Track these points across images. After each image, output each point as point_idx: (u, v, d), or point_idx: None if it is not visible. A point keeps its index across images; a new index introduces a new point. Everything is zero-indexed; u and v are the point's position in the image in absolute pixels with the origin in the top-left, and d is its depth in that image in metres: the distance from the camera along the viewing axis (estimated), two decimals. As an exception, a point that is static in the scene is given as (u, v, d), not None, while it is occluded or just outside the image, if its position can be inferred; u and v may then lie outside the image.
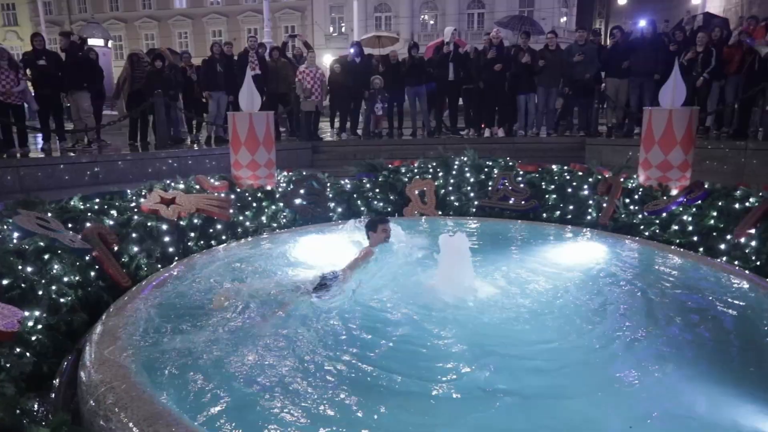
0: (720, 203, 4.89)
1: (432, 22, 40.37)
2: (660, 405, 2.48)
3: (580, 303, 3.77)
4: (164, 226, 4.65)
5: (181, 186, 5.56)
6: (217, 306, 3.56)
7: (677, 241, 4.85)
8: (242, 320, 3.41)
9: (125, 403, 2.21)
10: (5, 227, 3.87)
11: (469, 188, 6.23)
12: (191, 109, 11.09)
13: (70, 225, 4.25)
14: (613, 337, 3.20)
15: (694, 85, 9.18)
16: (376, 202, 6.15)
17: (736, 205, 4.76)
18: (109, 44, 19.77)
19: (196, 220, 4.99)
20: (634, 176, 5.94)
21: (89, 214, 4.53)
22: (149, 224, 4.56)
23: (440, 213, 6.06)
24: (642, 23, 10.53)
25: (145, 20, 44.83)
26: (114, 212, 4.71)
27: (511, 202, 5.95)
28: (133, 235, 4.40)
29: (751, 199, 4.80)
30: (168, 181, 5.64)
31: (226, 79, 10.40)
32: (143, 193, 5.17)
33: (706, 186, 5.22)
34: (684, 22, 11.98)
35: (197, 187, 5.70)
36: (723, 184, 5.36)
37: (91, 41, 14.86)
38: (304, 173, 6.42)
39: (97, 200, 4.90)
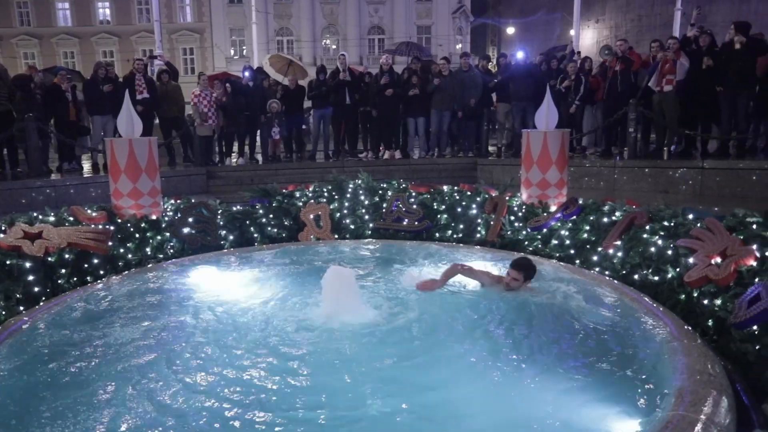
0: (591, 218, 5.29)
1: (334, 46, 40.90)
2: (533, 409, 2.59)
3: (472, 318, 3.89)
4: (27, 264, 4.22)
5: (51, 218, 5.09)
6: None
7: (557, 254, 5.17)
8: (109, 369, 3.14)
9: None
10: None
11: (363, 211, 6.28)
12: (66, 133, 10.14)
13: None
14: (498, 347, 3.31)
15: (569, 111, 10.02)
16: (270, 228, 6.01)
17: (605, 219, 5.17)
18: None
19: (67, 256, 4.59)
20: (518, 194, 6.30)
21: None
22: (8, 262, 4.12)
23: (336, 237, 6.04)
24: (519, 54, 11.37)
25: (24, 38, 41.38)
26: (-35, 251, 4.21)
27: (404, 223, 6.06)
28: (-11, 275, 3.95)
29: (617, 213, 5.23)
30: (35, 214, 5.15)
31: (113, 102, 9.79)
32: (2, 228, 4.68)
33: (579, 202, 5.63)
34: (556, 51, 13.08)
35: (71, 219, 5.25)
36: (594, 199, 5.81)
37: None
38: (193, 200, 6.15)
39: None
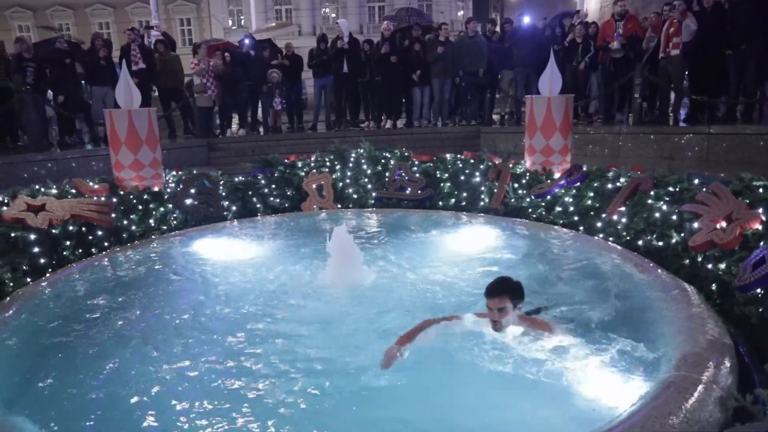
0: (595, 184, 5.25)
1: (333, 15, 40.10)
2: (535, 370, 2.62)
3: (475, 284, 3.90)
4: (32, 236, 4.23)
5: (54, 191, 5.09)
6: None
7: (561, 221, 5.16)
8: (116, 339, 3.17)
9: (-31, 436, 1.98)
10: None
11: (366, 180, 6.25)
12: (68, 106, 10.04)
13: None
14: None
15: (576, 76, 9.86)
16: (272, 198, 6.00)
17: (609, 186, 5.13)
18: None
19: (71, 228, 4.60)
20: (522, 162, 6.25)
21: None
22: (13, 235, 4.13)
23: (339, 206, 6.03)
24: (526, 19, 11.13)
25: (18, 10, 40.68)
26: (-33, 224, 4.21)
27: (407, 191, 6.04)
28: (-6, 248, 3.96)
29: (621, 179, 5.19)
30: (37, 186, 5.14)
31: (112, 73, 9.66)
32: (5, 201, 4.67)
33: (583, 168, 5.59)
34: (565, 18, 12.77)
35: (73, 191, 5.24)
36: (599, 166, 5.76)
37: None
38: (195, 172, 6.12)
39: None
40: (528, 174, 5.92)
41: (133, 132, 5.50)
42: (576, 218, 5.09)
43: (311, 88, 12.06)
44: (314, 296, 3.76)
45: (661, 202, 4.42)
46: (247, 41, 11.34)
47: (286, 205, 6.00)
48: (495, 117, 11.77)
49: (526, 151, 6.15)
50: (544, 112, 5.76)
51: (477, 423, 2.32)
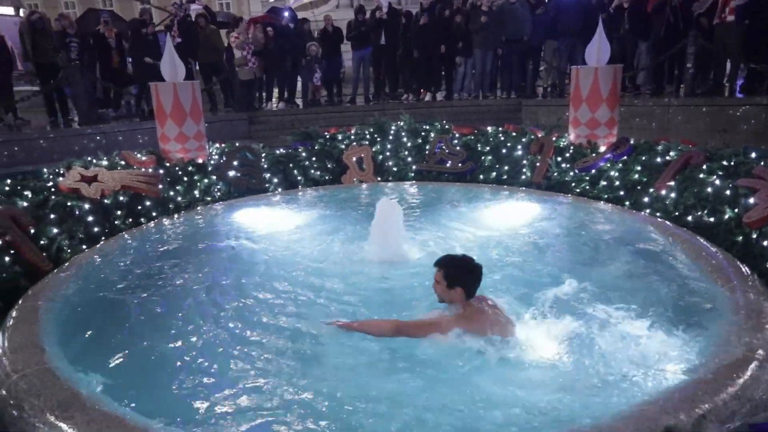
0: (643, 158, 5.08)
1: (372, -15, 39.52)
2: (600, 347, 2.59)
3: (518, 260, 3.88)
4: (86, 206, 4.41)
5: (105, 163, 5.27)
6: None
7: (605, 196, 5.03)
8: (167, 304, 3.30)
9: (38, 389, 2.11)
10: None
11: (406, 153, 6.23)
12: (110, 80, 10.29)
13: (-23, 209, 3.95)
14: (549, 289, 3.28)
15: (623, 45, 9.45)
16: (313, 171, 6.06)
17: (658, 159, 4.96)
18: (21, 12, 18.25)
19: (122, 198, 4.76)
20: (566, 135, 6.09)
21: (-1, 196, 4.24)
22: (69, 204, 4.31)
23: (378, 179, 6.04)
24: None
25: (64, -14, 41.60)
26: (28, 193, 4.41)
27: (448, 165, 5.99)
28: (52, 216, 4.15)
29: (671, 153, 5.00)
30: (89, 158, 5.33)
31: (156, 48, 9.82)
32: (61, 172, 4.87)
33: (631, 142, 5.41)
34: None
35: (123, 163, 5.42)
36: (646, 139, 5.57)
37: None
38: (237, 144, 6.22)
39: (8, 181, 4.56)
40: (572, 147, 5.78)
41: (178, 105, 5.61)
42: (622, 193, 4.96)
43: (349, 62, 11.97)
44: (354, 268, 3.80)
45: (714, 177, 4.26)
46: (286, 14, 11.32)
47: (327, 177, 6.05)
48: (537, 89, 11.45)
49: (570, 123, 5.98)
50: (591, 83, 5.58)
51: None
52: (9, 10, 16.39)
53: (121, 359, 2.67)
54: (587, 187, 5.27)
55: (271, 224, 4.81)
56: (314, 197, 5.58)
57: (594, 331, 2.71)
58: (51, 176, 4.82)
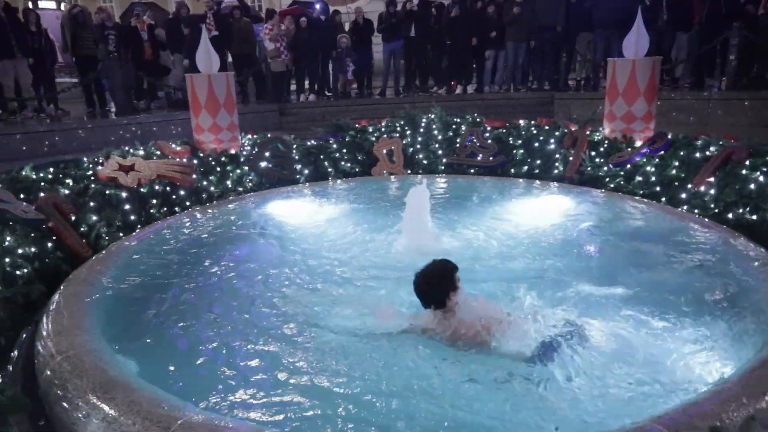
0: (681, 153, 4.95)
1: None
2: (640, 349, 2.55)
3: (548, 255, 3.83)
4: (124, 194, 4.52)
5: (141, 152, 5.39)
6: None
7: (641, 191, 4.92)
8: (201, 291, 3.37)
9: (81, 371, 2.18)
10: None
11: (437, 146, 6.19)
12: (145, 71, 10.48)
13: (22, 195, 4.10)
14: (579, 287, 3.24)
15: (660, 37, 9.19)
16: (343, 163, 6.08)
17: (697, 155, 4.82)
18: (62, 6, 18.77)
19: (157, 187, 4.87)
20: (600, 129, 5.97)
21: (42, 184, 4.37)
22: (107, 192, 4.43)
23: (409, 171, 6.03)
24: None
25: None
26: (69, 181, 4.55)
27: (479, 158, 5.94)
28: (91, 204, 4.27)
29: (711, 149, 4.86)
30: (126, 148, 5.47)
31: (192, 41, 9.98)
32: (100, 161, 5.01)
33: (668, 136, 5.27)
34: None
35: (158, 153, 5.53)
36: (685, 134, 5.41)
37: (42, 4, 14.07)
38: (269, 135, 6.29)
39: (51, 169, 4.72)
40: (606, 141, 5.66)
41: (212, 96, 5.70)
42: (658, 189, 4.84)
43: (378, 54, 11.96)
44: (383, 260, 3.81)
45: (758, 173, 4.11)
46: (318, 6, 11.35)
47: (357, 169, 6.06)
48: (569, 83, 11.24)
49: (605, 117, 5.86)
50: (628, 75, 5.44)
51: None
52: (51, 4, 16.91)
53: (157, 343, 2.75)
54: (622, 183, 5.15)
55: (302, 215, 4.86)
56: (344, 189, 5.61)
57: (633, 331, 2.67)
58: (90, 165, 4.96)
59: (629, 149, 5.39)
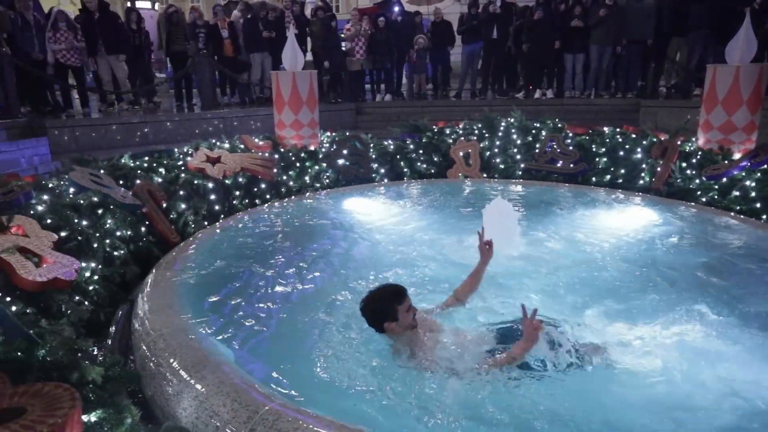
0: (787, 168, 4.59)
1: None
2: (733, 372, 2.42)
3: (630, 271, 3.65)
4: (210, 185, 4.73)
5: (227, 145, 5.63)
6: None
7: (737, 207, 4.59)
8: (279, 279, 3.47)
9: (174, 349, 2.30)
10: (62, 183, 4.02)
11: (515, 150, 6.06)
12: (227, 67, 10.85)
13: (121, 182, 4.38)
14: (661, 307, 3.07)
15: (765, 41, 8.52)
16: (419, 164, 6.07)
17: (805, 170, 4.45)
18: (156, 6, 19.96)
19: (240, 179, 5.06)
20: (693, 139, 5.63)
21: (139, 171, 4.65)
22: (196, 182, 4.65)
23: (485, 175, 5.94)
24: None
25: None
26: (162, 170, 4.82)
27: (558, 165, 5.76)
28: (181, 192, 4.50)
29: (822, 164, 4.47)
30: (213, 141, 5.72)
31: (269, 40, 10.33)
32: (189, 152, 5.27)
33: (772, 149, 4.90)
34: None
35: (242, 146, 5.75)
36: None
37: (138, 4, 15.00)
38: (347, 134, 6.39)
39: (146, 158, 5.02)
40: (700, 152, 5.33)
41: (296, 93, 5.86)
42: (758, 205, 4.51)
43: (454, 56, 11.85)
44: (454, 264, 3.75)
45: None
46: (396, 8, 11.42)
47: (433, 171, 6.04)
48: (658, 90, 10.65)
49: (701, 127, 5.52)
50: (730, 83, 5.10)
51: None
52: (146, 4, 18.03)
53: (240, 327, 2.85)
54: (716, 197, 4.84)
55: (377, 213, 4.89)
56: (419, 190, 5.60)
57: (715, 353, 2.52)
58: (181, 156, 5.22)
59: (726, 161, 5.06)
